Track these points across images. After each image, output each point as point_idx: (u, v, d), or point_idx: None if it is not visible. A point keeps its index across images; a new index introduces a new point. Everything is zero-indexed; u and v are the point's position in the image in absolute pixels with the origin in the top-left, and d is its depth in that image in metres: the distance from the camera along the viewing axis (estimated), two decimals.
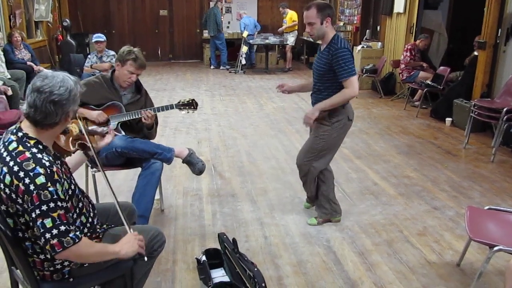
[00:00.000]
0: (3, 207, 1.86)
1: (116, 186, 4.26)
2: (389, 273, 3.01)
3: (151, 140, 3.63)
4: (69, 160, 2.38)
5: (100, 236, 2.17)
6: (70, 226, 1.84)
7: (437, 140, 6.10)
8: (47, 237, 1.78)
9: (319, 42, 3.38)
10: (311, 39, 12.42)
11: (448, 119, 6.83)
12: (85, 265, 2.05)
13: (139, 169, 3.43)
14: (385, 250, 3.29)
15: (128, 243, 2.02)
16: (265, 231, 3.54)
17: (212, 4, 13.08)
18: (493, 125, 5.92)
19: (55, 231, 1.79)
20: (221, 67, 12.57)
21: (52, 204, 1.80)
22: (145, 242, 2.21)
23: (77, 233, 1.85)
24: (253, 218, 3.76)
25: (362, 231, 3.57)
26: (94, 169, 3.44)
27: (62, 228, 1.80)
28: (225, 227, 3.59)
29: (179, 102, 3.63)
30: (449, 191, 4.36)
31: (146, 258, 2.12)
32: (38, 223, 1.78)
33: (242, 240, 3.36)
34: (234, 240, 2.86)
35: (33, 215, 1.78)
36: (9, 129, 1.96)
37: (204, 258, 2.95)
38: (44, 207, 1.78)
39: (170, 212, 3.83)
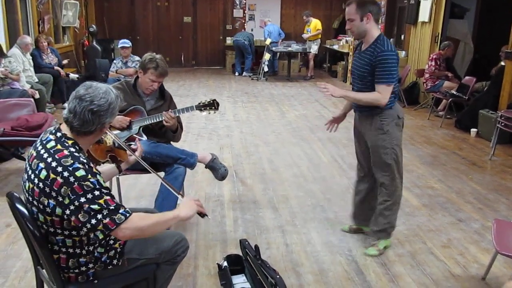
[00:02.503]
0: (34, 203, 1.89)
1: (139, 190, 4.30)
2: (412, 284, 2.96)
3: (174, 145, 3.66)
4: (101, 171, 2.42)
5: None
6: (119, 206, 1.90)
7: (462, 151, 6.00)
8: (98, 218, 1.83)
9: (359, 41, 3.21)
10: (334, 48, 12.54)
11: (473, 130, 6.72)
12: (109, 267, 2.08)
13: (162, 173, 3.46)
14: (408, 262, 3.24)
15: (186, 206, 2.17)
16: (287, 239, 3.52)
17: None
18: None
19: (105, 211, 1.84)
20: (244, 74, 12.64)
21: (97, 192, 1.84)
22: (168, 248, 2.24)
23: (127, 209, 1.91)
24: (274, 225, 3.75)
25: None
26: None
27: (112, 207, 1.86)
28: (247, 233, 3.58)
29: (199, 103, 3.62)
30: (474, 203, 4.28)
31: (210, 217, 2.21)
32: (85, 208, 1.81)
33: (264, 247, 3.35)
34: (256, 246, 2.85)
35: (76, 203, 1.81)
36: (48, 129, 2.02)
37: (225, 264, 2.95)
38: (89, 196, 1.82)
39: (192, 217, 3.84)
